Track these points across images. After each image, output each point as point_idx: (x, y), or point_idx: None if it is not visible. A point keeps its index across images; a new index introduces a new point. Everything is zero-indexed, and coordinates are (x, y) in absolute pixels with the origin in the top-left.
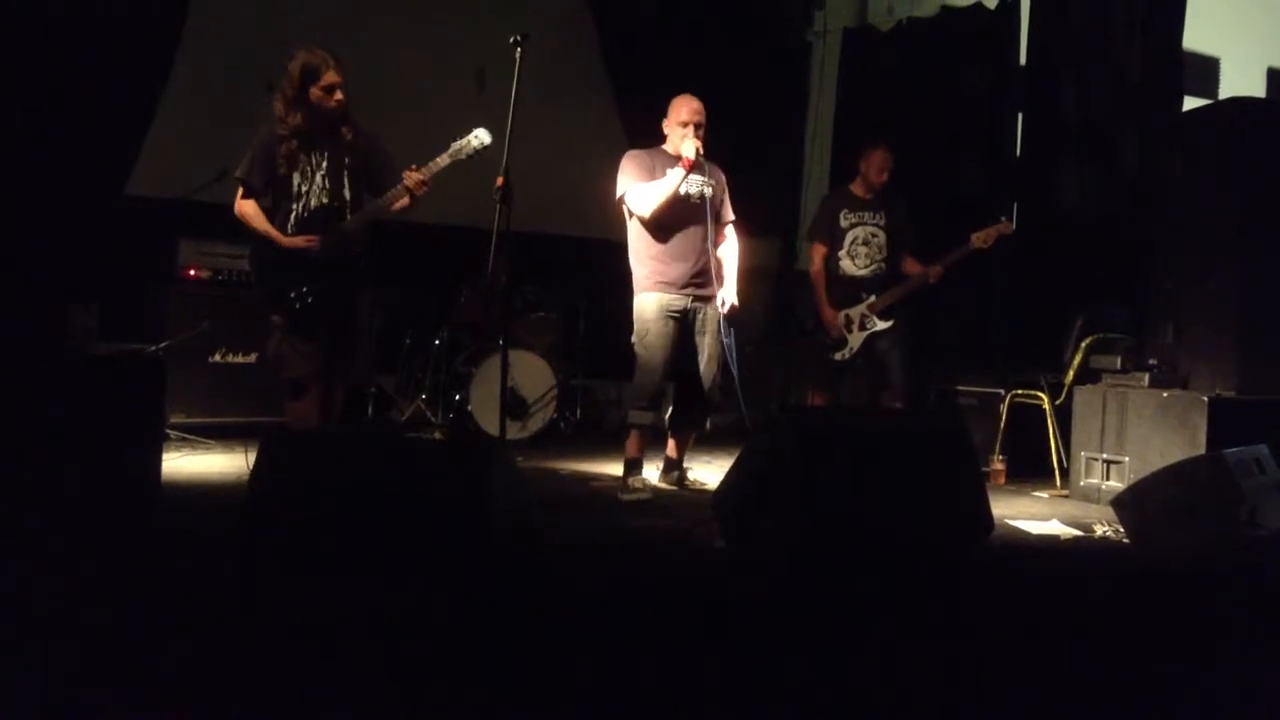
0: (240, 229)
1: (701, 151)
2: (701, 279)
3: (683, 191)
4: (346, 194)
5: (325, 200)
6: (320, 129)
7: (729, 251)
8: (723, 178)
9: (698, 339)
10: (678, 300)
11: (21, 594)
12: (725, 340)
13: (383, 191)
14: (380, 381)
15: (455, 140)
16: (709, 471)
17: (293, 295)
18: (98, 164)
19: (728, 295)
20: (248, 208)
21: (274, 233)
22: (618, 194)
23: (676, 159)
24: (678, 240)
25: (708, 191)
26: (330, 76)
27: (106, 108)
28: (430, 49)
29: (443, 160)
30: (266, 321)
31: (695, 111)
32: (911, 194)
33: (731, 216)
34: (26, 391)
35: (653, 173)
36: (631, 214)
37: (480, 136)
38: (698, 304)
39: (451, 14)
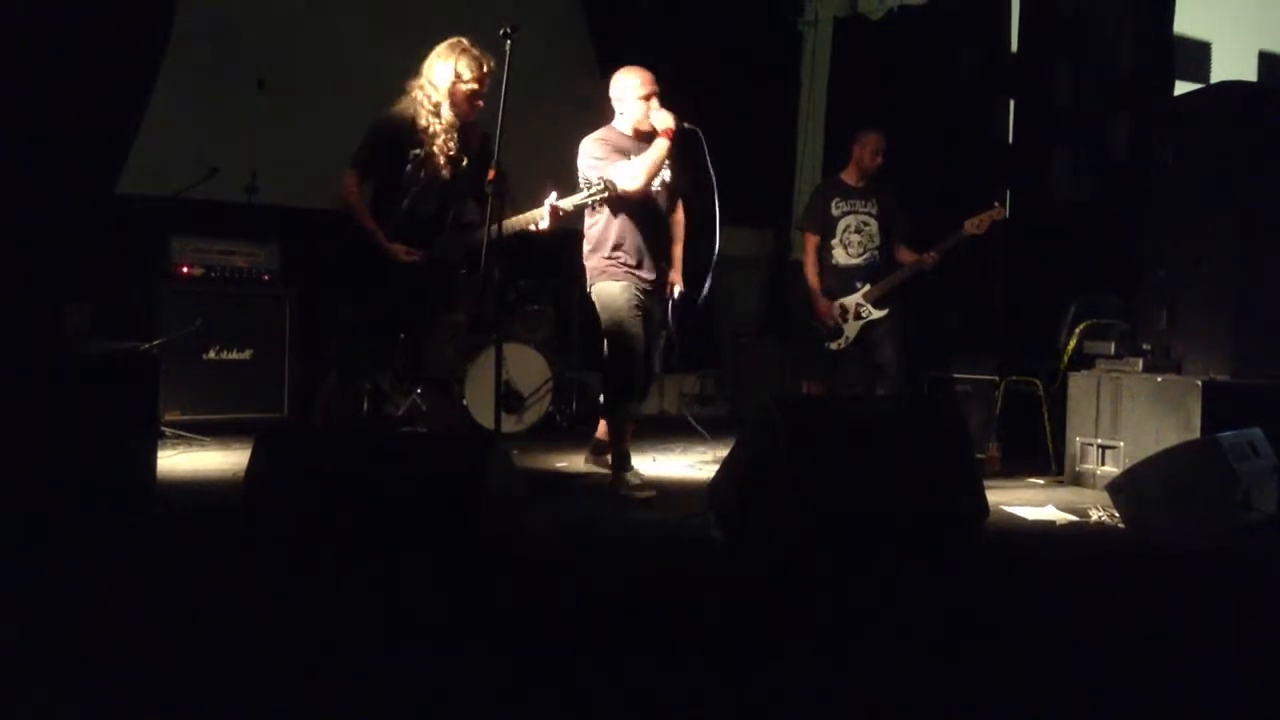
0: (320, 216)
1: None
2: (656, 267)
3: None
4: (458, 204)
5: (434, 209)
6: (452, 132)
7: (678, 228)
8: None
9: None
10: (641, 286)
11: (17, 592)
12: (669, 328)
13: (481, 197)
14: (378, 377)
15: (591, 186)
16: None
17: (373, 296)
18: (89, 163)
19: (677, 280)
20: (355, 196)
21: (377, 231)
22: (595, 179)
23: (638, 137)
24: (640, 228)
25: (667, 177)
26: (479, 80)
27: (96, 107)
28: (420, 43)
29: (577, 200)
30: (335, 310)
31: (654, 80)
32: (904, 182)
33: (681, 188)
34: (22, 391)
35: (624, 153)
36: (604, 201)
37: (613, 186)
38: (653, 291)
39: (440, 7)
